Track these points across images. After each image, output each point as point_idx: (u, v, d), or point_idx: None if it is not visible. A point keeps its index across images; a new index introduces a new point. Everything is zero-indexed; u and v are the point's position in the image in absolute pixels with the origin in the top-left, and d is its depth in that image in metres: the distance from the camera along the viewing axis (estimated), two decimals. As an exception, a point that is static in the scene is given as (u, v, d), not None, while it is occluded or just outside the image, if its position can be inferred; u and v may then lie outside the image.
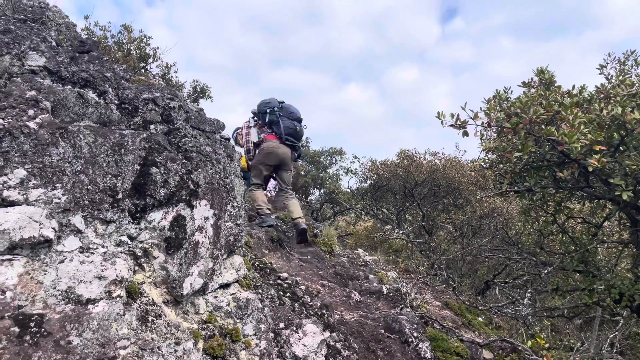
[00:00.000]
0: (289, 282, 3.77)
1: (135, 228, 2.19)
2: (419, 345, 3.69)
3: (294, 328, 2.88)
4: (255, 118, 5.80)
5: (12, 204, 1.78)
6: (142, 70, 9.00)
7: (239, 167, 2.92)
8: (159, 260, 2.20)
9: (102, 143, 2.14)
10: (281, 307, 3.10)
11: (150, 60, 9.54)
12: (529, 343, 3.66)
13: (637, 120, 3.35)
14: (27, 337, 1.61)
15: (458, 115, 3.88)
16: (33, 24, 2.83)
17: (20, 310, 1.65)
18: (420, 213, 10.63)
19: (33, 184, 1.86)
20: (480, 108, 3.93)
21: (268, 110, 5.66)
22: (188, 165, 2.42)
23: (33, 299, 1.70)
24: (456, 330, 4.63)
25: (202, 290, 2.46)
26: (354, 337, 3.51)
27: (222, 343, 2.31)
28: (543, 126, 3.59)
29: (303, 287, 3.79)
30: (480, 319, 5.67)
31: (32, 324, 1.64)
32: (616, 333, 4.92)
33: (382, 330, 3.80)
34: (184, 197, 2.33)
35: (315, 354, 2.81)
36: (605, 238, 5.18)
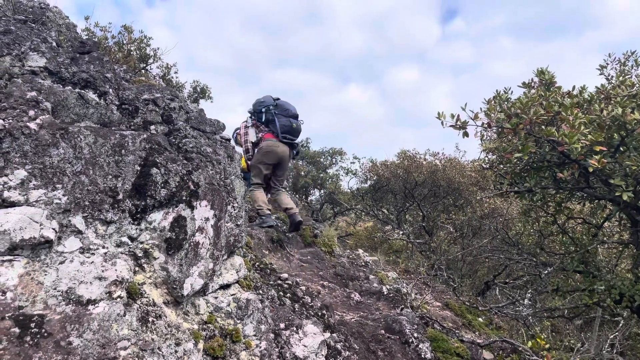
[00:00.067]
0: (289, 282, 3.77)
1: (136, 229, 2.19)
2: (420, 346, 3.69)
3: (295, 329, 2.88)
4: (253, 117, 5.80)
5: (13, 204, 1.78)
6: (143, 70, 9.00)
7: (239, 168, 2.92)
8: (159, 261, 2.21)
9: (103, 144, 2.14)
10: (281, 308, 3.10)
11: (151, 60, 9.54)
12: (529, 343, 3.66)
13: (638, 121, 3.35)
14: (28, 338, 1.61)
15: (458, 115, 3.88)
16: (33, 25, 2.83)
17: (20, 311, 1.65)
18: (421, 213, 10.63)
19: (33, 184, 1.86)
20: (481, 109, 3.93)
21: (263, 110, 5.66)
22: (188, 166, 2.42)
23: (33, 299, 1.70)
24: (456, 331, 4.63)
25: (203, 291, 2.46)
26: (354, 337, 3.51)
27: (222, 344, 2.31)
28: (543, 127, 3.59)
29: (303, 288, 3.79)
30: (480, 319, 5.67)
31: (32, 325, 1.64)
32: (616, 333, 4.92)
33: (383, 331, 3.80)
34: (184, 198, 2.33)
35: (316, 355, 2.81)
36: (605, 239, 5.18)
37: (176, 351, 2.07)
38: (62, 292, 1.77)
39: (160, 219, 2.24)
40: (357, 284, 5.19)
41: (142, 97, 2.72)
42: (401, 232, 10.08)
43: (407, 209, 11.51)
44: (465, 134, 3.94)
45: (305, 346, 2.80)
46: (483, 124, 3.89)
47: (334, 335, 3.21)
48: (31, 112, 2.00)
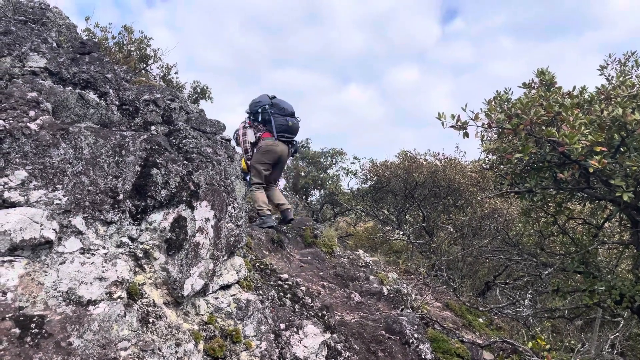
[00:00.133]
0: (290, 283, 3.77)
1: (136, 229, 2.19)
2: (420, 347, 3.69)
3: (295, 329, 2.88)
4: (251, 117, 5.81)
5: (13, 205, 1.78)
6: (143, 71, 9.01)
7: (239, 168, 2.92)
8: (159, 262, 2.20)
9: (103, 144, 2.14)
10: (282, 308, 3.10)
11: (151, 61, 9.55)
12: (530, 344, 3.66)
13: (638, 122, 3.35)
14: (28, 339, 1.61)
15: (458, 116, 3.88)
16: (34, 25, 2.84)
17: (21, 312, 1.65)
18: (421, 214, 10.62)
19: (34, 185, 1.86)
20: (481, 109, 3.93)
21: (260, 110, 5.67)
22: (189, 167, 2.42)
23: (34, 300, 1.70)
24: (457, 331, 4.63)
25: (203, 292, 2.46)
26: (354, 338, 3.50)
27: (222, 344, 2.31)
28: (544, 127, 3.59)
29: (303, 288, 3.79)
30: (480, 320, 5.66)
31: (32, 325, 1.64)
32: (617, 334, 4.92)
33: (383, 332, 3.80)
34: (184, 198, 2.33)
35: (316, 355, 2.81)
36: (605, 239, 5.18)
37: (176, 352, 2.07)
38: (62, 292, 1.77)
39: (160, 219, 2.24)
40: (357, 285, 5.19)
41: (143, 98, 2.72)
42: (401, 233, 10.08)
43: (407, 210, 11.51)
44: (466, 135, 3.94)
45: (305, 347, 2.80)
46: (483, 124, 3.89)
47: (334, 335, 3.21)
48: (32, 113, 2.00)
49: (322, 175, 14.83)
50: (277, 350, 2.65)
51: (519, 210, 7.11)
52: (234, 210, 2.73)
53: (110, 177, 2.13)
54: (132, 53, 8.94)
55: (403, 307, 4.59)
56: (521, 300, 6.35)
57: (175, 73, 10.42)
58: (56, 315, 1.71)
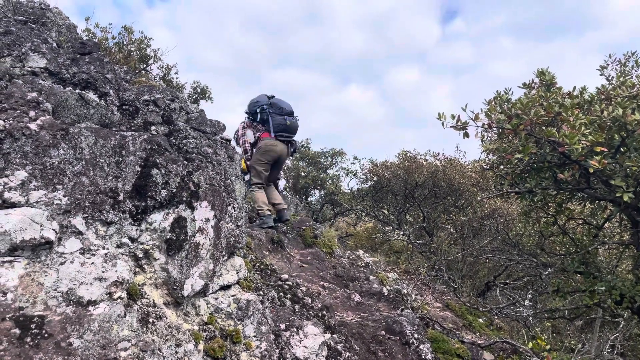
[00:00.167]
0: (290, 283, 3.77)
1: (136, 229, 2.19)
2: (420, 347, 3.69)
3: (295, 329, 2.88)
4: (250, 118, 5.81)
5: (13, 205, 1.78)
6: (143, 71, 9.01)
7: (239, 169, 2.92)
8: (159, 262, 2.20)
9: (103, 144, 2.14)
10: (282, 309, 3.10)
11: (151, 61, 9.55)
12: (530, 344, 3.66)
13: (638, 122, 3.35)
14: (28, 339, 1.61)
15: (459, 116, 3.88)
16: (34, 26, 2.84)
17: (21, 312, 1.65)
18: (421, 214, 10.62)
19: (34, 185, 1.86)
20: (481, 109, 3.93)
21: (258, 110, 5.67)
22: (189, 167, 2.42)
23: (34, 300, 1.70)
24: (457, 332, 4.63)
25: (203, 292, 2.46)
26: (354, 338, 3.50)
27: (222, 344, 2.31)
28: (544, 127, 3.59)
29: (304, 289, 3.78)
30: (481, 320, 5.66)
31: (33, 326, 1.64)
32: (617, 334, 4.92)
33: (383, 332, 3.80)
34: (184, 199, 2.33)
35: (316, 356, 2.81)
36: (606, 239, 5.17)
37: (176, 352, 2.06)
38: (62, 293, 1.77)
39: (160, 219, 2.24)
40: (357, 285, 5.18)
41: (143, 98, 2.72)
42: (401, 233, 10.08)
43: (407, 210, 11.51)
44: (466, 135, 3.94)
45: (305, 347, 2.79)
46: (483, 124, 3.89)
47: (335, 336, 3.21)
48: (32, 113, 2.00)
49: (322, 176, 14.83)
50: (277, 350, 2.64)
51: (519, 211, 7.10)
52: (234, 211, 2.73)
53: (111, 178, 2.13)
54: (132, 53, 8.94)
55: (403, 307, 4.59)
56: (521, 300, 6.35)
57: (175, 73, 10.43)
58: (56, 316, 1.71)
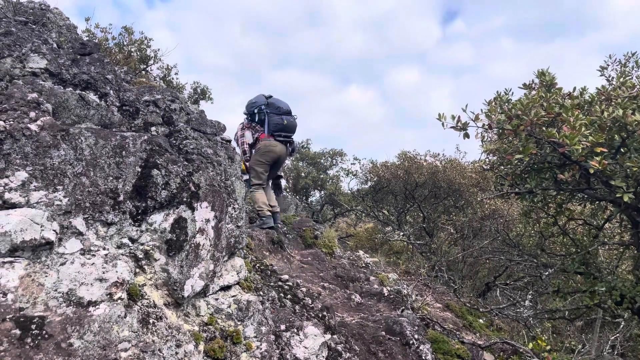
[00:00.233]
0: (290, 284, 3.77)
1: (137, 230, 2.19)
2: (420, 348, 3.69)
3: (295, 330, 2.88)
4: (249, 118, 5.82)
5: (14, 206, 1.78)
6: (143, 72, 9.02)
7: (239, 169, 2.93)
8: (160, 263, 2.20)
9: (104, 145, 2.14)
10: (282, 309, 3.10)
11: (151, 62, 9.56)
12: (530, 345, 3.66)
13: (638, 122, 3.35)
14: (29, 340, 1.61)
15: (459, 117, 3.88)
16: (34, 26, 2.84)
17: (21, 313, 1.64)
18: (421, 215, 10.62)
19: (34, 186, 1.86)
20: (481, 110, 3.93)
21: (256, 110, 5.68)
22: (189, 167, 2.42)
23: (34, 301, 1.70)
24: (457, 332, 4.62)
25: (203, 292, 2.45)
26: (354, 339, 3.50)
27: (223, 345, 2.31)
28: (544, 128, 3.59)
29: (304, 289, 3.78)
30: (481, 320, 5.66)
31: (33, 327, 1.64)
32: (617, 335, 4.92)
33: (383, 332, 3.80)
34: (185, 199, 2.33)
35: (317, 356, 2.81)
36: (606, 240, 5.17)
37: (177, 353, 2.06)
38: (62, 293, 1.77)
39: (160, 220, 2.24)
40: (357, 286, 5.18)
41: (143, 99, 2.72)
42: (402, 234, 10.08)
43: (407, 210, 11.51)
44: (466, 135, 3.94)
45: (306, 348, 2.79)
46: (484, 125, 3.89)
47: (335, 336, 3.21)
48: (32, 114, 2.00)
49: (322, 176, 14.84)
50: (277, 351, 2.64)
51: (520, 211, 7.10)
52: (235, 211, 2.73)
53: (111, 178, 2.13)
54: (132, 54, 8.94)
55: (403, 308, 4.59)
56: (522, 301, 6.35)
57: (176, 74, 10.44)
58: (56, 316, 1.71)
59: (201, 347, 2.22)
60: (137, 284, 2.10)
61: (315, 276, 5.09)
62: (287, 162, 13.14)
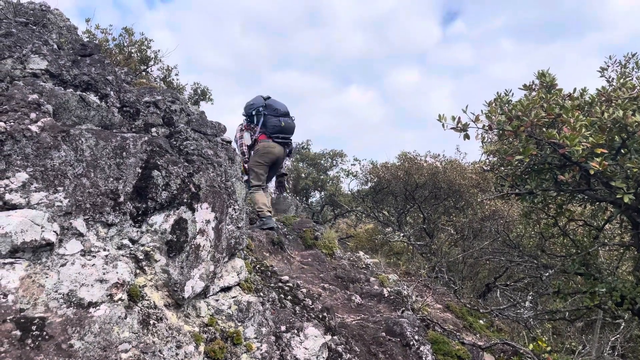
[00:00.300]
0: (290, 285, 3.77)
1: (137, 231, 2.19)
2: (420, 348, 3.68)
3: (295, 331, 2.88)
4: (247, 120, 5.83)
5: (14, 207, 1.78)
6: (143, 73, 9.02)
7: (240, 170, 2.93)
8: (160, 264, 2.20)
9: (104, 146, 2.14)
10: (282, 310, 3.10)
11: (152, 62, 9.57)
12: (531, 346, 3.66)
13: (638, 123, 3.35)
14: (29, 341, 1.61)
15: (459, 118, 3.88)
16: (34, 27, 2.84)
17: (21, 314, 1.64)
18: (421, 215, 10.62)
19: (35, 187, 1.86)
20: (482, 111, 3.94)
21: (254, 112, 5.69)
22: (189, 168, 2.42)
23: (35, 302, 1.70)
24: (457, 333, 4.62)
25: (204, 294, 2.45)
26: (355, 340, 3.50)
27: (223, 346, 2.31)
28: (544, 129, 3.59)
29: (304, 290, 3.78)
30: (481, 321, 5.66)
31: (33, 328, 1.64)
32: (618, 336, 4.92)
33: (384, 333, 3.79)
34: (185, 200, 2.33)
35: (317, 357, 2.81)
36: (606, 241, 5.17)
37: (177, 354, 2.06)
38: (63, 294, 1.77)
39: (161, 221, 2.24)
40: (357, 286, 5.18)
41: (143, 100, 2.72)
42: (402, 234, 10.08)
43: (407, 211, 11.51)
44: (466, 136, 3.94)
45: (306, 349, 2.79)
46: (484, 126, 3.90)
47: (335, 337, 3.20)
48: (32, 115, 2.00)
49: (322, 177, 14.84)
50: (277, 352, 2.64)
51: (520, 212, 7.10)
52: (235, 212, 2.73)
53: (111, 179, 2.13)
54: (132, 55, 8.95)
55: (404, 308, 4.58)
56: (522, 302, 6.34)
57: (176, 75, 10.45)
58: (57, 317, 1.71)
59: (201, 348, 2.22)
60: (137, 285, 2.10)
61: (316, 277, 5.09)
62: (288, 162, 13.13)
